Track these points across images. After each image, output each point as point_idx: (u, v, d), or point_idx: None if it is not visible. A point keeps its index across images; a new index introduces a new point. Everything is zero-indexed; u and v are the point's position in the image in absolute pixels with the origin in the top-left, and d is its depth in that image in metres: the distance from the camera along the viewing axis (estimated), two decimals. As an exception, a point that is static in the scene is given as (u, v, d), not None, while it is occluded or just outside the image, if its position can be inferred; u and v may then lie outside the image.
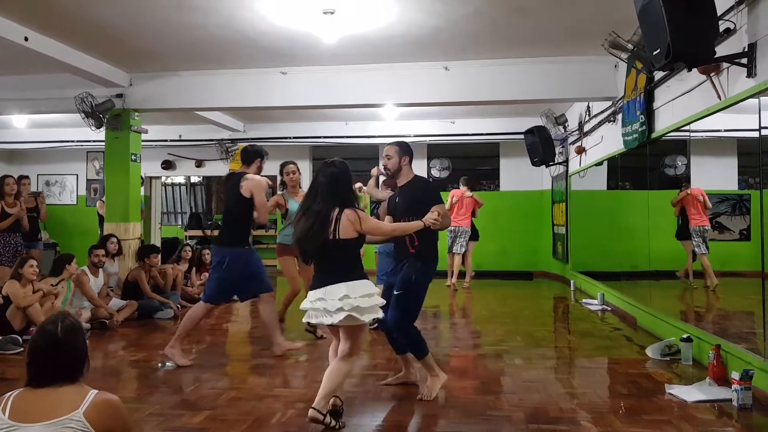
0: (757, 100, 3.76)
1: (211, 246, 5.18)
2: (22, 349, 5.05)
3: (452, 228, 8.89)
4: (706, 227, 5.89)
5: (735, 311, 5.80)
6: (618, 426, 3.27)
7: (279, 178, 6.03)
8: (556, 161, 9.09)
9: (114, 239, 7.12)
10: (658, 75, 5.36)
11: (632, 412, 3.49)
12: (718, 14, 3.72)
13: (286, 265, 5.63)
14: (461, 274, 9.21)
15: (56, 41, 6.16)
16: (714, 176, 5.85)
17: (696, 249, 5.90)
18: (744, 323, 5.19)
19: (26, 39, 5.76)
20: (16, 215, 6.64)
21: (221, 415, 3.47)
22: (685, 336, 4.63)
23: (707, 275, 5.84)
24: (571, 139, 9.19)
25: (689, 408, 3.56)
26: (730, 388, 3.61)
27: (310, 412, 3.18)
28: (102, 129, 7.59)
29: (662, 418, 3.40)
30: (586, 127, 8.17)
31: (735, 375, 3.57)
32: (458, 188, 9.20)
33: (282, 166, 5.78)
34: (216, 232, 11.42)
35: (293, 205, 5.41)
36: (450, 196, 9.01)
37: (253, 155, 4.94)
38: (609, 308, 7.11)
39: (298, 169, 5.81)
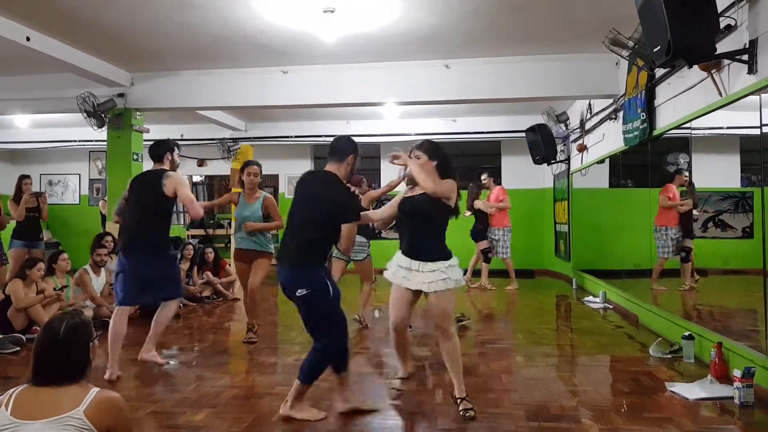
0: (758, 96, 3.75)
1: (130, 254, 4.33)
2: (19, 348, 5.07)
3: (505, 229, 8.92)
4: (666, 228, 6.00)
5: (737, 309, 5.79)
6: (619, 424, 3.27)
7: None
8: (557, 159, 9.08)
9: (109, 237, 7.12)
10: (659, 72, 5.34)
11: (634, 410, 3.49)
12: (719, 11, 3.71)
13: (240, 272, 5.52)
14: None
15: (58, 41, 6.18)
16: (717, 174, 5.84)
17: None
18: (746, 321, 5.18)
19: (28, 39, 5.78)
20: None
21: (222, 413, 3.48)
22: (686, 334, 4.62)
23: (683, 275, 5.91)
24: (572, 137, 9.18)
25: (691, 406, 3.56)
26: (732, 385, 3.61)
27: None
28: (104, 128, 7.62)
29: (663, 415, 3.39)
30: (588, 125, 8.16)
31: (737, 372, 3.57)
32: (487, 185, 9.05)
33: (244, 166, 5.42)
34: (217, 232, 11.49)
35: (243, 208, 5.30)
36: (501, 197, 8.96)
37: (163, 149, 4.51)
38: (611, 306, 7.10)
39: (261, 173, 5.48)
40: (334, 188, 3.39)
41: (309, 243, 3.32)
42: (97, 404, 1.89)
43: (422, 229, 3.52)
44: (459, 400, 3.45)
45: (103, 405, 1.91)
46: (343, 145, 3.48)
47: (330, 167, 3.47)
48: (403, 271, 3.52)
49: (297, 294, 3.24)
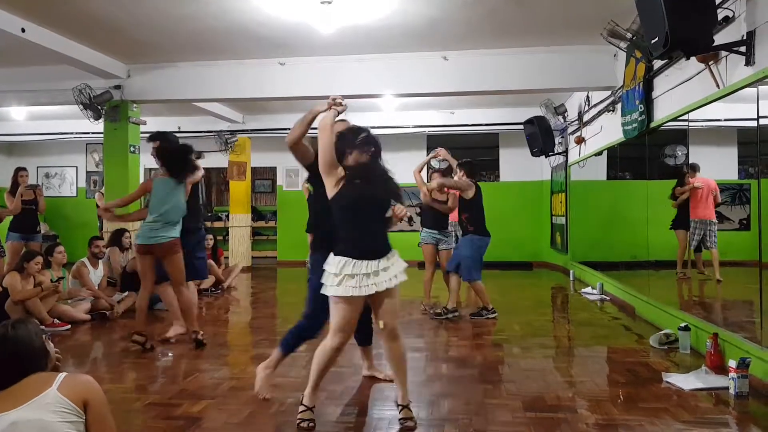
0: (755, 88, 3.75)
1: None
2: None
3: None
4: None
5: (733, 300, 5.82)
6: (615, 414, 3.29)
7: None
8: (555, 151, 9.07)
9: (128, 233, 7.11)
10: (657, 64, 5.34)
11: (630, 400, 3.51)
12: (717, 2, 3.71)
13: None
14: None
15: (53, 32, 6.14)
16: (714, 166, 5.84)
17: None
18: (742, 312, 5.21)
19: (23, 30, 5.74)
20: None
21: (220, 405, 3.49)
22: (683, 325, 4.64)
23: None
24: (570, 129, 9.18)
25: (686, 396, 3.58)
26: (727, 376, 3.63)
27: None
28: (100, 121, 7.59)
29: (659, 405, 3.41)
30: (586, 117, 8.16)
31: (732, 363, 3.59)
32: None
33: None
34: (215, 224, 11.52)
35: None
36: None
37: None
38: (608, 298, 7.13)
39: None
40: None
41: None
42: (69, 382, 1.90)
43: (381, 220, 3.11)
44: (402, 408, 3.15)
45: (74, 381, 1.92)
46: None
47: None
48: (364, 279, 2.96)
49: None
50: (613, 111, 6.86)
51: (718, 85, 4.15)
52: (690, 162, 5.93)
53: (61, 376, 1.92)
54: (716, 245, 5.75)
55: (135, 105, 7.86)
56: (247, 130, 10.96)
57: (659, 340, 4.76)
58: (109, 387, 3.76)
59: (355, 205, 3.04)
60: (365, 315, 3.34)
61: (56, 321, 5.67)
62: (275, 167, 12.05)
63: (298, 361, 4.50)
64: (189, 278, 5.05)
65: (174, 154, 4.86)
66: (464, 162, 6.22)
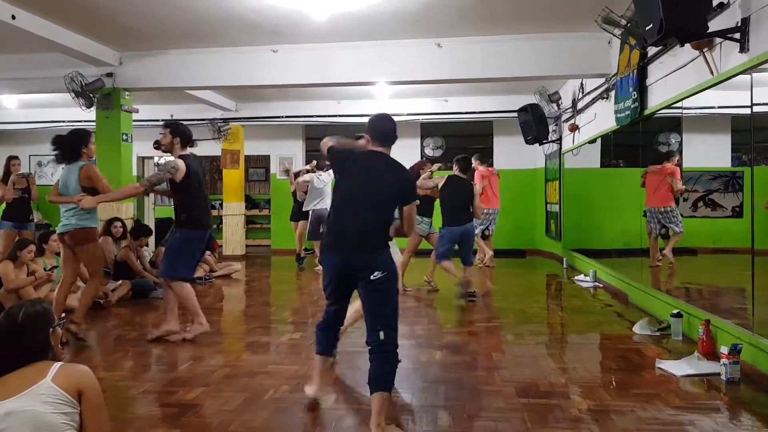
0: (749, 76, 3.74)
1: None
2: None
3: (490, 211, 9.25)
4: None
5: (726, 287, 5.86)
6: (608, 400, 3.31)
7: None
8: (549, 139, 9.06)
9: (118, 223, 7.06)
10: (652, 51, 5.32)
11: (622, 387, 3.54)
12: (712, -12, 3.69)
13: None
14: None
15: (44, 19, 6.07)
16: (708, 153, 5.86)
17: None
18: (734, 299, 5.25)
19: (13, 17, 5.66)
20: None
21: (215, 392, 3.50)
22: (675, 312, 4.67)
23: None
24: (564, 117, 9.17)
25: (678, 382, 3.61)
26: (719, 362, 3.66)
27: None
28: (92, 109, 7.52)
29: (651, 391, 3.44)
30: (580, 105, 8.15)
31: (724, 349, 3.62)
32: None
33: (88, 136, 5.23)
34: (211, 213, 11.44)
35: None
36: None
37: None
38: (601, 285, 7.16)
39: None
40: (402, 170, 3.28)
41: (385, 224, 3.14)
42: (64, 372, 1.90)
43: None
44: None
45: (70, 371, 1.92)
46: (394, 132, 3.35)
47: (384, 150, 3.29)
48: None
49: (373, 277, 2.96)
50: (607, 98, 6.85)
51: (712, 72, 4.14)
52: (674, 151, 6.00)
53: (57, 365, 1.93)
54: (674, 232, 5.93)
55: (127, 93, 7.79)
56: (240, 118, 10.89)
57: (649, 327, 4.79)
58: (104, 375, 3.77)
59: None
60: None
61: (50, 310, 5.65)
62: (269, 155, 12.00)
63: (292, 349, 4.52)
64: None
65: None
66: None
